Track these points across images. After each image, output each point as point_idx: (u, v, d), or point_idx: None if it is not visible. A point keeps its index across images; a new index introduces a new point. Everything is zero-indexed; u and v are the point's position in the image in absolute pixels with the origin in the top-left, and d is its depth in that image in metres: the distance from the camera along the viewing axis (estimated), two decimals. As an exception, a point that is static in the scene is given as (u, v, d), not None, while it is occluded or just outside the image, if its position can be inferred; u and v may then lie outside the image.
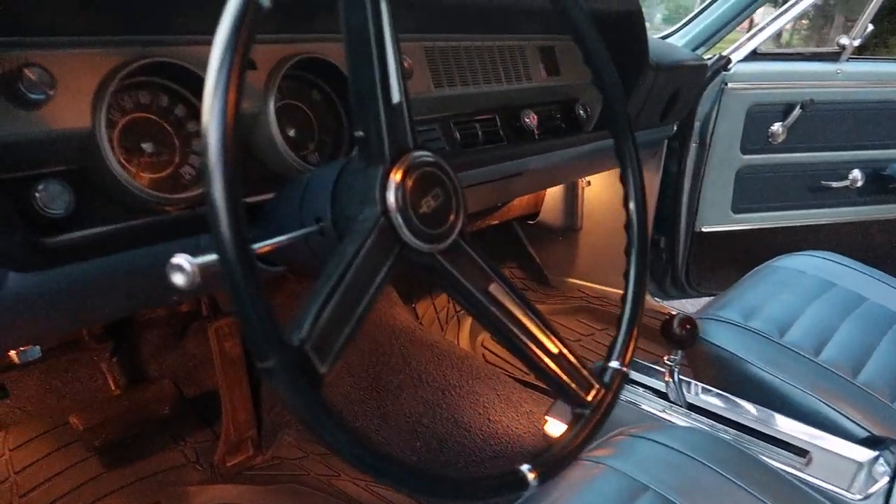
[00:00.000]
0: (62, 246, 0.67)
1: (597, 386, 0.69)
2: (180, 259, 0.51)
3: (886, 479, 0.91)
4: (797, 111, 1.96)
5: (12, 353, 0.85)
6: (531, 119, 1.29)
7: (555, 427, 1.10)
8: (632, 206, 0.80)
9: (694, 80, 1.67)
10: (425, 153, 0.66)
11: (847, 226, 2.17)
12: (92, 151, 0.71)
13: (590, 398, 0.69)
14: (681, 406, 1.08)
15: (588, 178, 2.04)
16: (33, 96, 0.65)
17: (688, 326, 1.05)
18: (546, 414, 1.13)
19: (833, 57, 2.05)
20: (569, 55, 1.40)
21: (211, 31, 0.83)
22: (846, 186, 2.09)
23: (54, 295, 0.72)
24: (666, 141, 1.95)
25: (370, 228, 0.61)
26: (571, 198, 2.09)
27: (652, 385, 1.13)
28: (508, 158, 1.24)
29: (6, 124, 0.66)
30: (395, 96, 0.62)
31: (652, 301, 2.12)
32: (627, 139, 0.81)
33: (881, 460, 0.95)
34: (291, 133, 0.94)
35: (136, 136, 0.78)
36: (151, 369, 1.39)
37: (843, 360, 1.19)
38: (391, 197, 0.62)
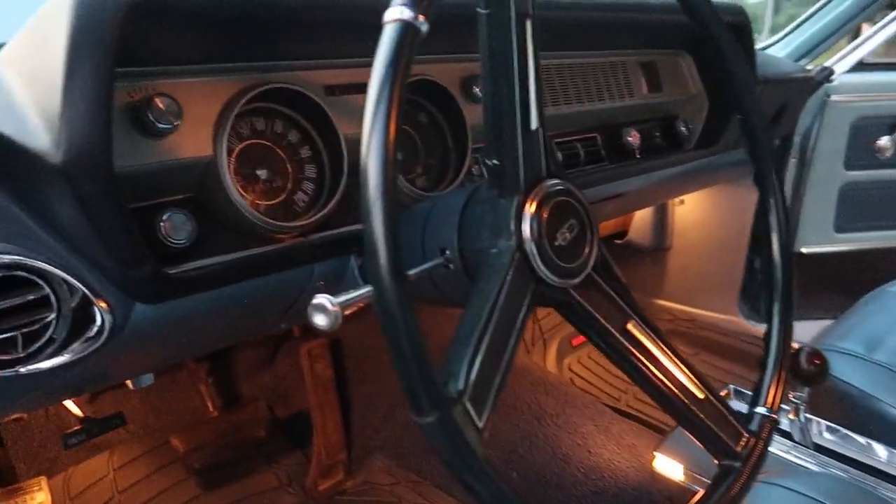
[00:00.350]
0: (185, 277, 0.66)
1: (746, 435, 0.63)
2: (322, 300, 0.49)
3: None
4: (908, 124, 1.84)
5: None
6: (633, 137, 1.23)
7: (666, 465, 1.04)
8: (775, 243, 0.74)
9: (800, 93, 1.58)
10: (559, 182, 0.62)
11: None
12: (212, 179, 0.71)
13: (739, 448, 0.63)
14: (808, 447, 1.00)
15: (682, 197, 1.95)
16: (161, 126, 0.65)
17: (816, 361, 0.97)
18: (655, 450, 1.07)
19: (950, 65, 1.92)
20: (670, 70, 1.34)
21: (325, 55, 0.82)
22: (962, 204, 1.94)
23: (173, 325, 0.71)
24: (764, 157, 1.85)
25: (507, 264, 0.58)
26: (662, 216, 2.01)
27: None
28: (610, 180, 1.19)
29: (134, 154, 0.65)
30: (534, 122, 0.59)
31: (745, 324, 2.01)
32: (771, 172, 0.75)
33: None
34: (399, 156, 0.91)
35: (251, 162, 0.77)
36: (244, 390, 1.39)
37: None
38: (527, 229, 0.59)
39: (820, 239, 1.97)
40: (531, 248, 0.59)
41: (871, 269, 2.03)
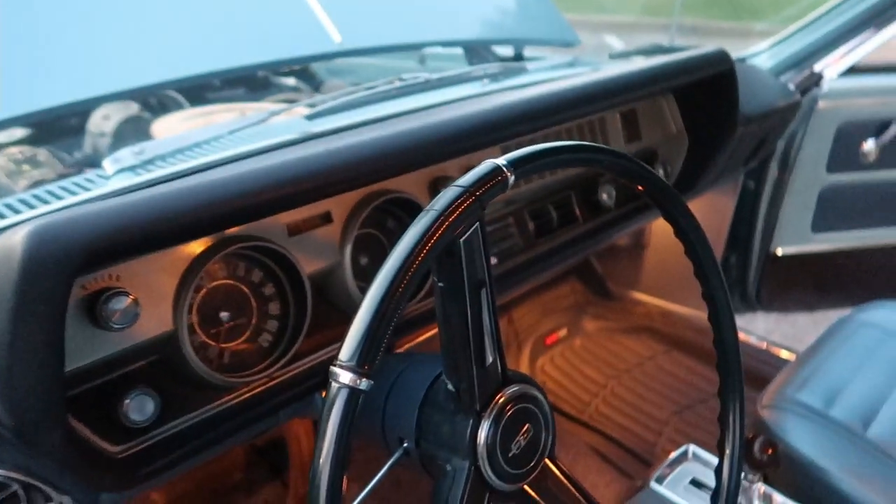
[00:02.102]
0: (146, 464, 0.67)
1: None
2: None
3: None
4: (893, 129, 1.81)
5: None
6: (608, 194, 1.22)
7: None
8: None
9: (783, 122, 1.55)
10: (517, 388, 0.63)
11: None
12: (173, 350, 0.71)
13: None
14: (757, 525, 1.06)
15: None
16: (117, 326, 0.64)
17: (769, 451, 1.01)
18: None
19: (941, 67, 1.87)
20: (650, 114, 1.31)
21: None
22: (939, 205, 1.95)
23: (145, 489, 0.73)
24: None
25: (462, 480, 0.60)
26: (640, 217, 2.01)
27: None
28: (583, 245, 1.19)
29: (90, 349, 0.65)
30: (489, 359, 0.59)
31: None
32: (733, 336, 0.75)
33: None
34: (364, 262, 0.91)
35: (213, 306, 0.77)
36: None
37: (930, 460, 1.15)
38: (482, 448, 0.60)
39: (796, 240, 1.98)
40: (485, 465, 0.61)
41: (845, 269, 2.07)
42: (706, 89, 1.28)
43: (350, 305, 0.85)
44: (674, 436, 1.79)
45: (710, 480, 1.11)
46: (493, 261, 1.02)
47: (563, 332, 2.02)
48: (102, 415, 0.67)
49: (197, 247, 0.71)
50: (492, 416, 0.61)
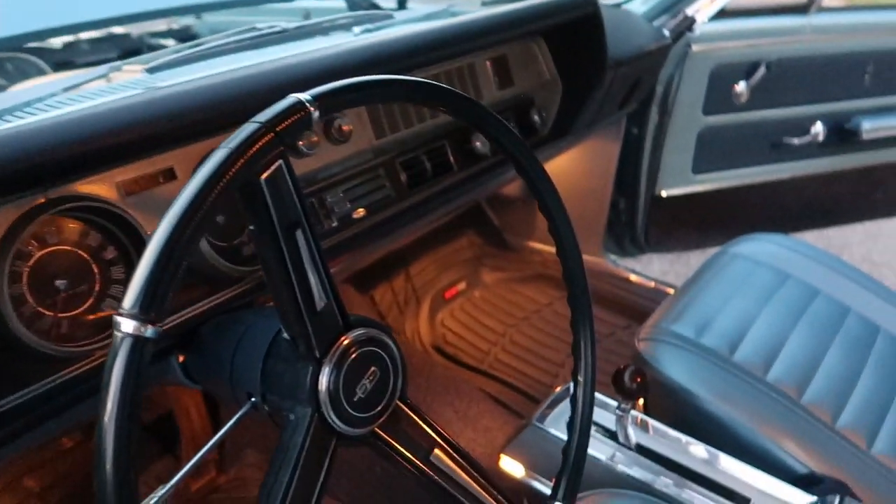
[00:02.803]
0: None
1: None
2: None
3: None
4: (762, 70, 1.89)
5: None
6: (483, 143, 1.22)
7: (510, 465, 1.13)
8: (580, 386, 0.77)
9: (655, 64, 1.59)
10: (360, 332, 0.63)
11: (808, 179, 2.16)
12: (-3, 321, 0.66)
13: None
14: (631, 449, 1.11)
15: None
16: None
17: (638, 379, 1.05)
18: (502, 451, 1.15)
19: (803, 9, 1.96)
20: (522, 59, 1.31)
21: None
22: (808, 142, 2.06)
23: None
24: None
25: (305, 428, 0.59)
26: (531, 167, 2.03)
27: (603, 423, 1.15)
28: (460, 192, 1.19)
29: None
30: (320, 303, 0.58)
31: (609, 265, 2.12)
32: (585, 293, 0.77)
33: (817, 505, 1.00)
34: (220, 220, 0.87)
35: (46, 274, 0.72)
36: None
37: (790, 378, 1.23)
38: (323, 393, 0.60)
39: (679, 181, 2.06)
40: (328, 411, 0.60)
41: (725, 206, 2.17)
42: (574, 34, 1.29)
43: (205, 265, 0.82)
44: (569, 377, 1.85)
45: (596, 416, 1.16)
46: (360, 212, 1.00)
47: (461, 286, 2.04)
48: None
49: (13, 211, 0.66)
50: (333, 362, 0.60)
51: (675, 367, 1.22)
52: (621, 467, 1.09)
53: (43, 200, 0.68)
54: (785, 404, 1.18)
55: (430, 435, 0.68)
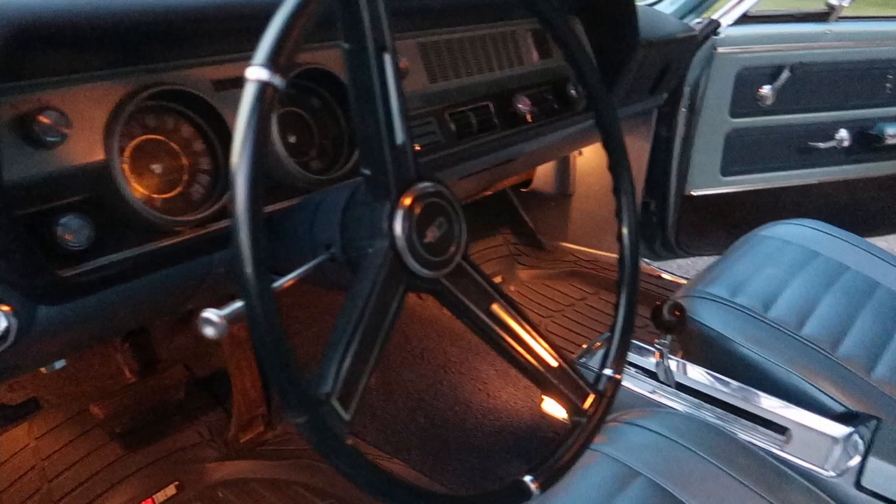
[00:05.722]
0: (84, 279, 0.70)
1: (592, 395, 0.75)
2: (209, 314, 0.55)
3: (859, 455, 0.99)
4: (786, 74, 1.98)
5: (39, 366, 0.90)
6: (524, 104, 1.31)
7: (551, 406, 1.17)
8: (625, 230, 0.83)
9: (685, 51, 1.68)
10: (429, 184, 0.70)
11: (834, 185, 2.21)
12: (106, 181, 0.74)
13: (586, 406, 0.74)
14: (670, 386, 1.15)
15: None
16: (49, 139, 0.68)
17: (676, 313, 1.10)
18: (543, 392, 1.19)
19: (823, 17, 2.06)
20: (561, 35, 1.41)
21: (211, 53, 0.85)
22: (833, 147, 2.12)
23: (81, 319, 0.76)
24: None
25: (380, 263, 0.65)
26: (564, 166, 2.12)
27: (643, 365, 1.19)
28: (502, 147, 1.27)
29: (23, 164, 0.68)
30: (399, 138, 0.65)
31: (642, 263, 2.17)
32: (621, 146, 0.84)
33: (856, 436, 1.02)
34: (292, 140, 0.96)
35: (146, 158, 0.81)
36: (162, 353, 1.44)
37: (823, 334, 1.26)
38: (398, 230, 0.66)
39: (708, 182, 2.12)
40: (402, 245, 0.66)
41: (752, 209, 2.22)
42: (607, 13, 1.40)
43: (278, 166, 0.90)
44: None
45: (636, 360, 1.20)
46: (417, 148, 1.09)
47: (497, 280, 2.10)
48: (43, 240, 0.70)
49: (121, 88, 0.76)
50: (408, 202, 0.66)
51: (712, 318, 1.27)
52: (662, 399, 1.13)
53: (146, 83, 0.77)
54: (820, 353, 1.21)
55: (489, 291, 0.73)
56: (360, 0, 0.58)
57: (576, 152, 2.07)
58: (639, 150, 2.06)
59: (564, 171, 2.12)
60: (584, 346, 1.25)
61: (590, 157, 2.09)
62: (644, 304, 2.00)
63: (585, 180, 2.14)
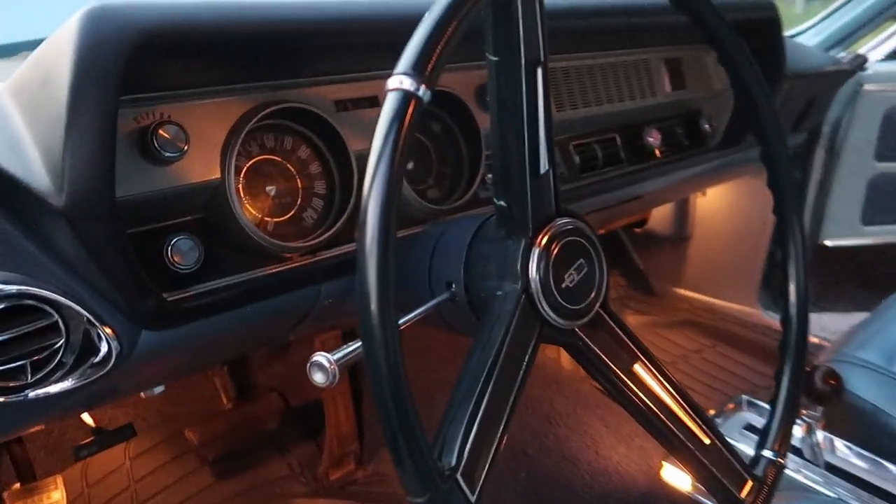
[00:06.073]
0: (191, 305, 0.66)
1: (750, 482, 0.63)
2: (321, 358, 0.49)
3: None
4: (946, 115, 1.77)
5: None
6: (654, 138, 1.20)
7: (674, 475, 1.04)
8: (792, 286, 0.72)
9: (830, 87, 1.53)
10: (569, 221, 0.61)
11: None
12: (220, 201, 0.70)
13: (743, 494, 0.62)
14: (819, 466, 0.99)
15: (704, 189, 1.92)
16: (168, 154, 0.64)
17: (831, 381, 0.96)
18: (665, 458, 1.07)
19: None
20: (694, 65, 1.30)
21: (334, 71, 0.80)
22: None
23: (183, 346, 0.72)
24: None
25: (513, 307, 0.57)
26: (683, 205, 1.97)
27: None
28: (628, 183, 1.16)
29: (137, 180, 0.65)
30: (543, 166, 0.57)
31: (764, 316, 1.98)
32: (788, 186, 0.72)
33: None
34: (409, 166, 0.90)
35: (260, 179, 0.76)
36: (259, 380, 1.41)
37: None
38: (533, 272, 0.58)
39: (845, 232, 1.92)
40: (537, 291, 0.58)
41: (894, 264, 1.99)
42: (751, 41, 1.27)
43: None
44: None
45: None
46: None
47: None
48: (151, 260, 0.66)
49: (242, 104, 0.72)
50: (545, 241, 0.58)
51: (867, 389, 1.10)
52: (807, 482, 0.98)
53: (267, 99, 0.73)
54: None
55: (632, 347, 0.64)
56: (517, 6, 0.51)
57: (699, 192, 1.93)
58: (769, 194, 1.89)
59: (683, 210, 1.98)
60: (712, 411, 1.12)
61: (712, 198, 1.94)
62: (770, 363, 1.82)
63: (706, 222, 1.99)
